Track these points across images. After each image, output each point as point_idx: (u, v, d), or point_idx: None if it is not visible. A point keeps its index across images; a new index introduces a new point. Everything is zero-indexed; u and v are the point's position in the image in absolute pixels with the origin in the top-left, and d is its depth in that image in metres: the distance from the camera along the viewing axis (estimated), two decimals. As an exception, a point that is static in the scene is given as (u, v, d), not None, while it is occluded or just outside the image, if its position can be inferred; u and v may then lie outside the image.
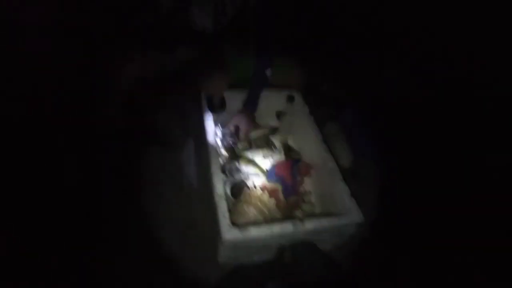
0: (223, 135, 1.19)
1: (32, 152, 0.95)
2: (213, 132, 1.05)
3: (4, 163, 0.89)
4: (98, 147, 1.04)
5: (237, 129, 1.15)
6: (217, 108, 1.10)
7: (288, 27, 1.21)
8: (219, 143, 1.16)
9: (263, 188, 1.04)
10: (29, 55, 0.93)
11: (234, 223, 0.83)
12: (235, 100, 1.16)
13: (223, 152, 1.16)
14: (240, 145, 1.20)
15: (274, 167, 1.11)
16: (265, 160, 1.16)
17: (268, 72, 1.11)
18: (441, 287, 0.96)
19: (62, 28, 0.93)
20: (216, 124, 1.15)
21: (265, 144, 1.23)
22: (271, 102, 1.23)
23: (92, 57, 0.91)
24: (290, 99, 1.20)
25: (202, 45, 0.90)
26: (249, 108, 1.14)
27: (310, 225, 0.86)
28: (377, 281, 0.94)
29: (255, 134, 1.22)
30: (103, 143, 1.05)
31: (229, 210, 0.87)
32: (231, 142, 1.16)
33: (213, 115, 1.09)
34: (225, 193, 0.96)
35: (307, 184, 1.14)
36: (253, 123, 1.18)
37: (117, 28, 0.88)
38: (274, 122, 1.30)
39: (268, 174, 1.11)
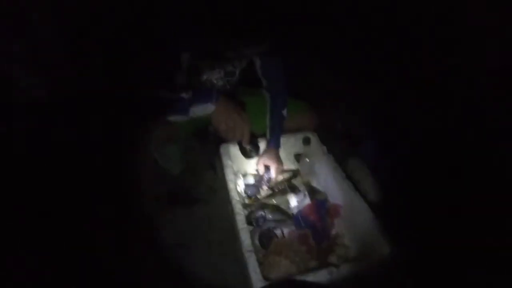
0: (246, 184, 1.20)
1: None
2: (235, 183, 1.07)
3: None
4: (128, 210, 1.07)
5: (267, 169, 1.17)
6: (250, 151, 1.10)
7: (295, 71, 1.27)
8: (243, 193, 1.17)
9: (292, 236, 1.02)
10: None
11: (266, 278, 0.80)
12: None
13: (247, 201, 1.16)
14: (263, 193, 1.21)
15: (300, 211, 1.09)
16: (290, 205, 1.15)
17: (285, 113, 1.16)
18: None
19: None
20: (237, 174, 1.18)
21: (289, 188, 1.22)
22: (287, 146, 1.25)
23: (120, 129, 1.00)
24: (306, 141, 1.21)
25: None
26: (274, 146, 1.17)
27: (346, 270, 0.81)
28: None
29: (277, 179, 1.22)
30: (130, 205, 1.09)
31: (260, 263, 0.85)
32: (264, 183, 1.18)
33: (246, 159, 1.12)
34: (254, 245, 0.94)
35: (338, 226, 1.10)
36: (281, 161, 1.19)
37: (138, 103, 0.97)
38: (293, 166, 1.30)
39: (295, 220, 1.09)
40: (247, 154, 1.11)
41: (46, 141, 1.06)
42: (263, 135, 1.20)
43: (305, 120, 1.27)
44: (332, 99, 1.40)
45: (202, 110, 0.94)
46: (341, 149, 1.30)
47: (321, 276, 0.80)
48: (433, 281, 0.94)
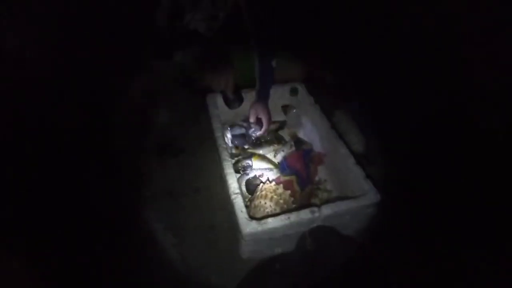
0: (233, 135, 1.21)
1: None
2: (222, 132, 1.07)
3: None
4: (114, 161, 1.08)
5: (259, 120, 1.16)
6: (233, 102, 1.10)
7: (285, 21, 1.22)
8: (229, 142, 1.18)
9: (277, 182, 1.05)
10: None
11: (252, 218, 0.84)
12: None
13: (234, 151, 1.18)
14: (251, 142, 1.22)
15: (286, 159, 1.12)
16: (276, 155, 1.18)
17: (274, 63, 1.12)
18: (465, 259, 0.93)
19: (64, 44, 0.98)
20: (225, 125, 1.18)
21: (275, 138, 1.24)
22: (275, 96, 1.24)
23: (99, 74, 0.95)
24: (294, 91, 1.21)
25: (199, 47, 0.92)
26: (263, 97, 1.15)
27: (327, 210, 0.86)
28: (400, 261, 0.92)
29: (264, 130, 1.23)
30: (119, 158, 1.09)
31: (246, 206, 0.89)
32: (256, 134, 1.18)
33: (230, 109, 1.11)
34: (241, 191, 0.97)
35: (322, 173, 1.14)
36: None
37: (119, 43, 0.92)
38: (280, 117, 1.31)
39: (281, 167, 1.12)
40: (230, 104, 1.11)
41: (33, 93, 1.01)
42: (250, 86, 1.18)
43: (293, 70, 1.25)
44: (322, 49, 1.37)
45: (186, 54, 0.90)
46: (329, 101, 1.30)
47: (303, 214, 0.84)
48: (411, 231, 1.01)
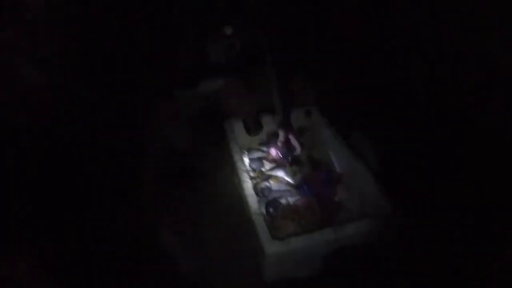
0: (251, 159, 1.23)
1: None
2: (240, 156, 1.10)
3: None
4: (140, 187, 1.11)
5: (287, 141, 1.18)
6: (254, 130, 1.14)
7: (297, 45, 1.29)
8: (248, 166, 1.20)
9: (298, 203, 1.05)
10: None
11: (274, 237, 0.84)
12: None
13: (252, 174, 1.20)
14: (267, 166, 1.24)
15: (304, 180, 1.13)
16: (294, 177, 1.19)
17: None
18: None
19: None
20: (242, 149, 1.21)
21: (306, 158, 1.25)
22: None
23: (126, 106, 1.02)
24: (308, 113, 1.24)
25: (223, 76, 0.98)
26: (287, 121, 1.16)
27: (350, 229, 0.85)
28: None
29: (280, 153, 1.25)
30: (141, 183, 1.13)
31: (268, 227, 0.89)
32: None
33: (250, 136, 1.16)
34: (262, 212, 0.97)
35: (341, 193, 1.14)
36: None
37: (145, 73, 1.00)
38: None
39: (300, 189, 1.12)
40: (251, 132, 1.14)
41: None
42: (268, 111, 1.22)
43: (305, 93, 1.29)
44: (334, 71, 1.41)
45: (211, 84, 0.96)
46: (343, 121, 1.33)
47: (326, 234, 0.83)
48: (430, 242, 0.98)
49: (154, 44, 0.95)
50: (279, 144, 1.19)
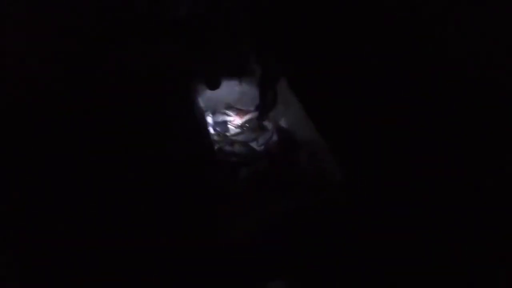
0: (215, 121, 1.21)
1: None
2: (204, 118, 1.08)
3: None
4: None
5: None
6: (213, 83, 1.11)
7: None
8: (211, 129, 1.18)
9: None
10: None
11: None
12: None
13: (216, 138, 1.18)
14: (232, 131, 1.23)
15: (267, 147, 1.14)
16: (258, 142, 1.19)
17: None
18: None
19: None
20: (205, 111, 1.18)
21: (256, 127, 1.25)
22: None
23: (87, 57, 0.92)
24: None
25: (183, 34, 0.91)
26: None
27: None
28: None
29: (245, 118, 1.25)
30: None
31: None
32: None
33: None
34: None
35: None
36: None
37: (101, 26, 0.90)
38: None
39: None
40: (210, 85, 1.12)
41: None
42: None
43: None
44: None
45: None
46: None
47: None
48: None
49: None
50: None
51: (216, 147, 1.14)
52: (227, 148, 1.14)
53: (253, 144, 1.19)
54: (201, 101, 1.16)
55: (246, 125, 1.24)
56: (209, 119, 1.19)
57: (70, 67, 0.96)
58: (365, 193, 0.98)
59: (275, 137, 1.21)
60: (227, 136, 1.21)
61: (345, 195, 0.94)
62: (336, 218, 0.96)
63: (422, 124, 0.98)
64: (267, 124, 1.28)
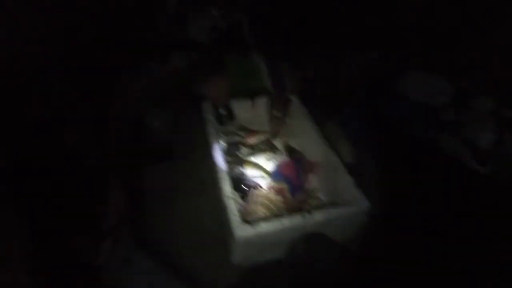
0: (227, 142, 1.22)
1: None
2: (216, 139, 1.09)
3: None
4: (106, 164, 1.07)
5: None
6: (225, 118, 1.08)
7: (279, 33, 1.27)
8: (224, 149, 1.19)
9: (269, 188, 1.06)
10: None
11: (245, 221, 0.84)
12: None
13: (228, 158, 1.19)
14: (243, 151, 1.24)
15: (278, 167, 1.14)
16: (269, 163, 1.19)
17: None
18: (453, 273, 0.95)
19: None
20: (218, 132, 1.19)
21: (268, 147, 1.26)
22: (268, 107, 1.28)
23: (95, 77, 0.96)
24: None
25: (196, 54, 0.94)
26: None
27: (319, 216, 0.87)
28: (389, 269, 0.94)
29: (257, 139, 1.26)
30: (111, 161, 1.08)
31: (239, 211, 0.89)
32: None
33: (220, 125, 1.09)
34: (234, 196, 0.97)
35: (313, 182, 1.16)
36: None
37: (117, 46, 0.94)
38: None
39: (273, 175, 1.13)
40: (221, 121, 1.08)
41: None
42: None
43: (286, 81, 1.29)
44: (314, 62, 1.42)
45: (183, 59, 0.92)
46: (321, 112, 1.35)
47: (295, 219, 0.85)
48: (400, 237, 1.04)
49: (134, 12, 0.89)
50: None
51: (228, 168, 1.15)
52: (238, 168, 1.15)
53: (264, 165, 1.20)
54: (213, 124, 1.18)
55: (259, 146, 1.25)
56: (222, 140, 1.21)
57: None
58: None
59: (285, 158, 1.21)
60: (238, 156, 1.22)
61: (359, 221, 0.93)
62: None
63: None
64: (279, 144, 1.30)
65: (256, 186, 1.06)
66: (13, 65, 0.93)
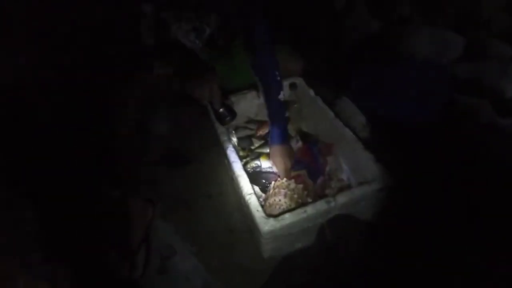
0: (239, 137, 1.21)
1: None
2: (227, 136, 1.08)
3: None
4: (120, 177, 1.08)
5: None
6: (224, 116, 0.98)
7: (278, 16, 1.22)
8: (236, 146, 1.18)
9: (288, 177, 1.05)
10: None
11: (269, 215, 0.84)
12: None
13: (241, 153, 1.18)
14: (256, 144, 1.23)
15: (294, 154, 1.12)
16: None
17: (282, 96, 1.03)
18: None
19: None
20: (229, 129, 1.18)
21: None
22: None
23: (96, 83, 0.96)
24: (293, 86, 1.21)
25: (182, 57, 0.91)
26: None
27: (343, 198, 0.85)
28: (417, 244, 0.92)
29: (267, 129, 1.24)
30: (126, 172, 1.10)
31: (261, 206, 0.89)
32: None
33: (222, 125, 1.03)
34: (254, 191, 0.97)
35: (332, 163, 1.14)
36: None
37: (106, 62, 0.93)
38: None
39: (290, 163, 1.11)
40: (222, 120, 1.00)
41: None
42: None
43: (291, 65, 1.25)
44: (314, 41, 1.37)
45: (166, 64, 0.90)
46: (329, 91, 1.31)
47: (319, 205, 0.84)
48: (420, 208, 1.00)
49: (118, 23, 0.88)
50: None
51: (243, 162, 1.14)
52: (254, 162, 1.14)
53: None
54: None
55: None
56: (233, 136, 1.20)
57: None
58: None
59: (300, 144, 1.19)
60: (252, 150, 1.21)
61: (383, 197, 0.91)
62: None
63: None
64: (291, 130, 1.28)
65: (275, 178, 1.05)
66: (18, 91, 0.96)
